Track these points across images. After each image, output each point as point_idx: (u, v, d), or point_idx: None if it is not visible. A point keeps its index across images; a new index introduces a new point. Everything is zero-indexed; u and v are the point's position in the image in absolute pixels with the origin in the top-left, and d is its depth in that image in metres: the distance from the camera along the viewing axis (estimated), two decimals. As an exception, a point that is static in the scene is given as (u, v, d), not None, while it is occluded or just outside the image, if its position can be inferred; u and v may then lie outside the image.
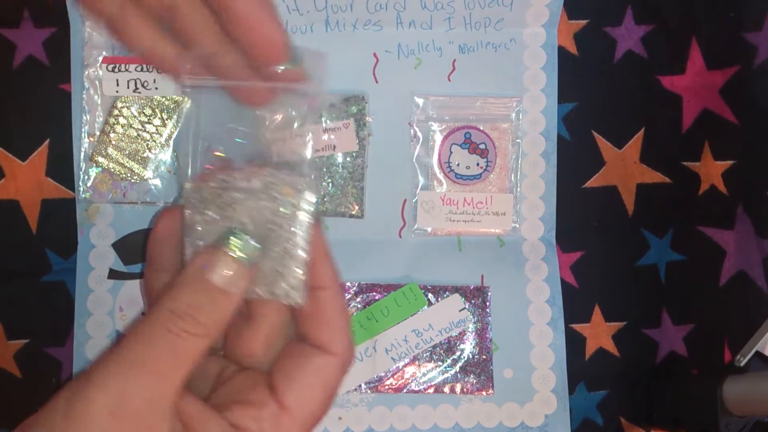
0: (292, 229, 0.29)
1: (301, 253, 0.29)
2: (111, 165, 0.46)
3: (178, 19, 0.33)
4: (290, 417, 0.29)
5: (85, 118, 0.46)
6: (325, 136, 0.47)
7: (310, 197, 0.29)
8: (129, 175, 0.46)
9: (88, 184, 0.46)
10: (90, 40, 0.45)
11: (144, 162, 0.46)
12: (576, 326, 0.49)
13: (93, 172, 0.46)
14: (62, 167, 0.46)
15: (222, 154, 0.33)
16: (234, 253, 0.28)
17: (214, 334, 0.28)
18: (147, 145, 0.46)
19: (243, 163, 0.32)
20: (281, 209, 0.29)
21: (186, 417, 0.28)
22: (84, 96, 0.46)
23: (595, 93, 0.49)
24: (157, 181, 0.46)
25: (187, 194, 0.30)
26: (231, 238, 0.28)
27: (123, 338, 0.27)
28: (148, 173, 0.46)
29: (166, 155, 0.46)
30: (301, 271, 0.29)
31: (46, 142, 0.46)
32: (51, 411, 0.26)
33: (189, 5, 0.32)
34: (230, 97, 0.34)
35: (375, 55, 0.48)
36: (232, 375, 0.31)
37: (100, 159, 0.46)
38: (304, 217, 0.29)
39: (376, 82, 0.48)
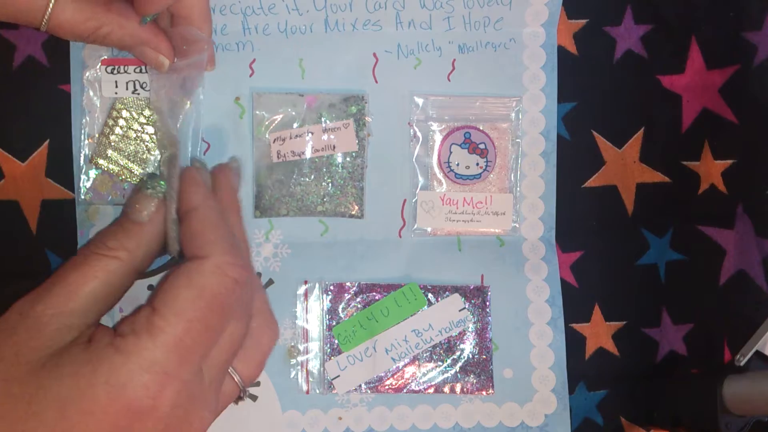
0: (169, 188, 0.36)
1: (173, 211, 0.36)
2: (111, 166, 0.46)
3: None
4: (160, 317, 0.31)
5: (84, 119, 0.46)
6: (325, 136, 0.47)
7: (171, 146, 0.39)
8: (129, 176, 0.46)
9: (88, 186, 0.46)
10: (89, 40, 0.46)
11: (144, 163, 0.46)
12: (576, 326, 0.49)
13: (93, 173, 0.46)
14: (62, 168, 0.46)
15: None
16: (144, 190, 0.35)
17: (124, 257, 0.33)
18: (146, 146, 0.46)
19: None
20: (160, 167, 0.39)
21: (94, 333, 0.32)
22: (83, 98, 0.46)
23: (595, 93, 0.49)
24: (157, 182, 0.46)
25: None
26: (146, 179, 0.36)
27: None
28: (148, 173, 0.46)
29: (166, 156, 0.46)
30: (174, 231, 0.35)
31: (46, 143, 0.46)
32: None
33: None
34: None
35: (375, 55, 0.48)
36: None
37: (100, 161, 0.46)
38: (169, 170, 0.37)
39: (376, 82, 0.48)
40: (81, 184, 0.46)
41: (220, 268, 0.32)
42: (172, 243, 0.35)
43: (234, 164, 0.41)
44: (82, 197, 0.46)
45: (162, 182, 0.36)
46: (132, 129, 0.46)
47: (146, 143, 0.46)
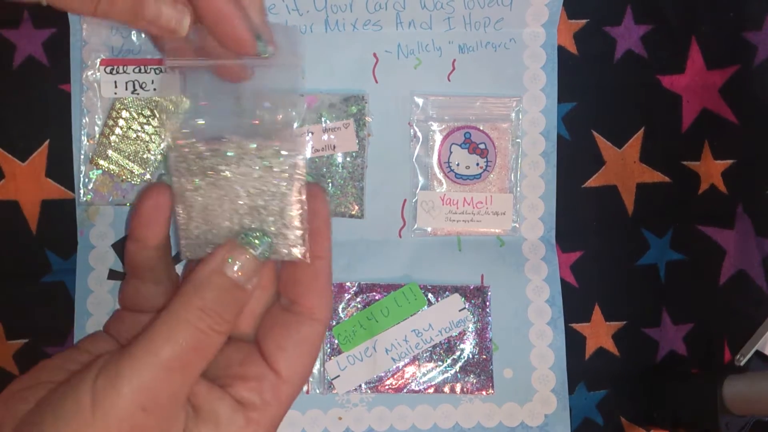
0: (284, 190, 0.30)
1: (296, 211, 0.31)
2: (111, 167, 0.46)
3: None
4: (286, 384, 0.30)
5: (84, 120, 0.46)
6: (325, 136, 0.47)
7: (299, 158, 0.31)
8: (129, 176, 0.46)
9: (89, 187, 0.46)
10: (89, 41, 0.45)
11: (144, 163, 0.46)
12: (576, 326, 0.49)
13: (93, 174, 0.46)
14: (62, 168, 0.46)
15: (203, 122, 0.33)
16: (253, 249, 0.30)
17: (232, 328, 0.30)
18: (146, 146, 0.46)
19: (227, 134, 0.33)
20: (274, 169, 0.30)
21: (195, 399, 0.29)
22: (83, 98, 0.46)
23: (595, 93, 0.49)
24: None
25: (173, 161, 0.30)
26: (247, 235, 0.30)
27: (149, 331, 0.28)
28: (148, 174, 0.46)
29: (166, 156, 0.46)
30: (299, 228, 0.31)
31: (46, 143, 0.46)
32: (76, 403, 0.26)
33: None
34: (212, 75, 0.36)
35: (375, 55, 0.48)
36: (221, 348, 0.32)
37: (101, 161, 0.46)
38: (294, 176, 0.31)
39: (376, 82, 0.48)
40: (81, 185, 0.46)
41: (325, 331, 0.33)
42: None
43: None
44: (83, 198, 0.46)
45: (267, 238, 0.30)
46: (132, 129, 0.46)
47: (146, 143, 0.46)
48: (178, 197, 0.31)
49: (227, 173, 0.30)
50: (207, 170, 0.30)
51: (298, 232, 0.31)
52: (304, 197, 0.31)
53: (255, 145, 0.30)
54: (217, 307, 0.29)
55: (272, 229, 0.31)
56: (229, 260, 0.29)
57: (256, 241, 0.30)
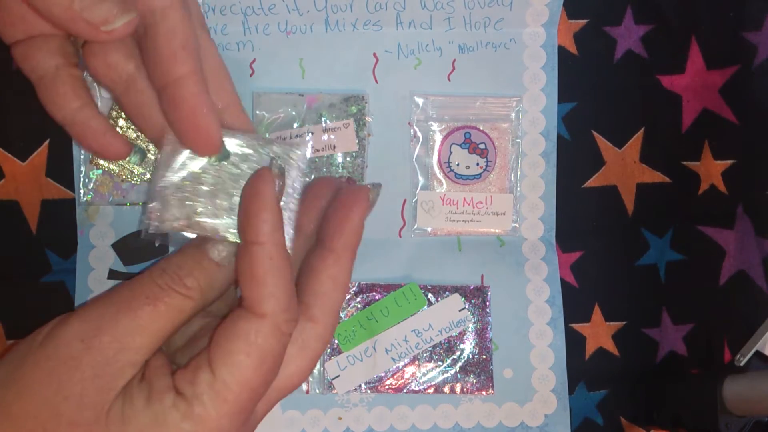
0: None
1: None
2: (111, 166, 0.46)
3: (132, 93, 0.31)
4: (224, 386, 0.27)
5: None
6: (325, 136, 0.47)
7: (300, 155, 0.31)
8: (129, 176, 0.46)
9: (90, 187, 0.46)
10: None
11: (144, 163, 0.46)
12: (576, 326, 0.49)
13: (94, 174, 0.46)
14: (62, 168, 0.46)
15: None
16: (234, 236, 0.30)
17: (197, 297, 0.29)
18: (147, 145, 0.46)
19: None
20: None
21: (147, 368, 0.28)
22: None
23: (595, 93, 0.49)
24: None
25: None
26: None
27: (116, 285, 0.28)
28: (148, 174, 0.46)
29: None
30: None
31: (46, 143, 0.46)
32: (35, 334, 0.28)
33: (145, 80, 0.31)
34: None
35: (375, 55, 0.48)
36: (206, 332, 0.31)
37: (101, 161, 0.46)
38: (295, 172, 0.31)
39: (376, 82, 0.48)
40: (81, 185, 0.46)
41: (278, 329, 0.28)
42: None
43: (373, 192, 0.33)
44: (83, 198, 0.46)
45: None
46: (132, 129, 0.46)
47: (147, 143, 0.46)
48: (162, 177, 0.31)
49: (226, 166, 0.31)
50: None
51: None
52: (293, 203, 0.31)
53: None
54: (179, 270, 0.29)
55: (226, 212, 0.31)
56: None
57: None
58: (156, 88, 0.30)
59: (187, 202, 0.30)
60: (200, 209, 0.30)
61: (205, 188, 0.30)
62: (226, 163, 0.31)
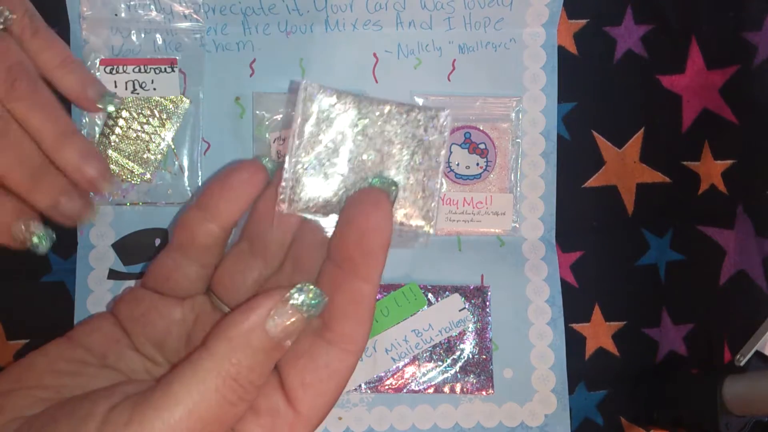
0: (432, 155, 0.27)
1: (436, 185, 0.28)
2: (111, 167, 0.46)
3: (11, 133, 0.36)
4: (303, 423, 0.26)
5: (84, 120, 0.46)
6: (325, 136, 0.47)
7: (446, 121, 0.27)
8: (129, 176, 0.46)
9: (89, 186, 0.46)
10: (89, 41, 0.45)
11: (144, 163, 0.46)
12: (576, 326, 0.49)
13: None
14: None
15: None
16: (300, 308, 0.25)
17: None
18: (146, 146, 0.46)
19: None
20: (423, 133, 0.27)
21: None
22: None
23: (595, 93, 0.49)
24: (158, 182, 0.46)
25: (302, 100, 0.27)
26: (295, 291, 0.25)
27: (167, 390, 0.24)
28: (148, 174, 0.46)
29: (166, 155, 0.46)
30: (434, 203, 0.28)
31: (46, 143, 0.46)
32: None
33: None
34: None
35: (375, 55, 0.48)
36: None
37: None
38: (441, 142, 0.27)
39: (376, 82, 0.48)
40: (81, 184, 0.46)
41: (357, 361, 0.27)
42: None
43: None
44: (83, 197, 0.46)
45: (323, 298, 0.26)
46: (132, 129, 0.46)
47: (146, 143, 0.46)
48: (296, 145, 0.27)
49: (362, 127, 0.27)
50: (343, 121, 0.27)
51: (433, 206, 0.27)
52: (440, 176, 0.27)
53: (401, 106, 0.27)
54: (251, 375, 0.24)
55: (408, 195, 0.27)
56: (274, 317, 0.25)
57: (312, 301, 0.25)
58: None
59: (321, 178, 0.27)
60: (339, 185, 0.27)
61: (343, 161, 0.27)
62: (365, 121, 0.27)
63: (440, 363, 0.47)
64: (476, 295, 0.48)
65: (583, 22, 0.49)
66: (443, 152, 0.28)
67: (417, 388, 0.47)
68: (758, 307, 0.49)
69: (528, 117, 0.48)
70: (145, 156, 0.46)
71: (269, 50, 0.47)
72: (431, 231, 0.28)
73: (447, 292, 0.48)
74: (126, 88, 0.45)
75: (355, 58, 0.48)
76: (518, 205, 0.49)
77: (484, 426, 0.48)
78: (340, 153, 0.28)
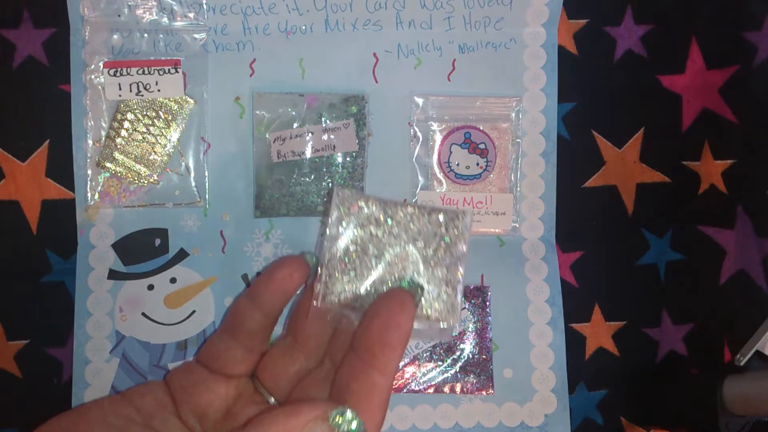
0: (453, 253, 0.31)
1: (460, 278, 0.31)
2: (118, 169, 0.46)
3: None
4: None
5: (89, 123, 0.46)
6: (325, 136, 0.47)
7: (467, 223, 0.31)
8: (137, 178, 0.46)
9: (98, 189, 0.46)
10: (90, 41, 0.45)
11: (151, 164, 0.46)
12: (576, 326, 0.49)
13: (101, 177, 0.46)
14: (62, 168, 0.46)
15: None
16: (336, 428, 0.26)
17: None
18: (152, 147, 0.46)
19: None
20: (444, 231, 0.31)
21: None
22: (88, 101, 0.46)
23: (595, 93, 0.49)
24: (164, 183, 0.46)
25: (336, 203, 0.31)
26: (337, 415, 0.26)
27: None
28: (155, 176, 0.46)
29: (172, 157, 0.46)
30: (458, 297, 0.31)
31: (46, 143, 0.46)
32: None
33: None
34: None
35: (375, 55, 0.48)
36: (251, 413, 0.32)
37: (108, 164, 0.46)
38: (462, 242, 0.31)
39: (376, 81, 0.48)
40: (89, 188, 0.46)
41: None
42: None
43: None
44: (90, 201, 0.46)
45: (361, 422, 0.27)
46: (137, 131, 0.46)
47: (152, 145, 0.46)
48: (329, 246, 0.31)
49: (389, 228, 0.31)
50: (371, 222, 0.31)
51: (456, 301, 0.31)
52: (462, 270, 0.31)
53: (426, 209, 0.31)
54: None
55: (432, 288, 0.31)
56: (313, 429, 0.26)
57: (353, 424, 0.26)
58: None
59: (351, 274, 0.31)
60: (368, 280, 0.31)
61: (371, 258, 0.31)
62: (391, 222, 0.31)
63: (440, 363, 0.47)
64: (476, 295, 0.48)
65: (583, 21, 0.49)
66: (464, 248, 0.31)
67: (417, 388, 0.47)
68: (758, 307, 0.49)
69: (528, 117, 0.48)
70: (151, 158, 0.46)
71: (269, 50, 0.47)
72: (456, 325, 0.31)
73: (447, 292, 0.48)
74: (131, 90, 0.45)
75: (355, 58, 0.48)
76: (518, 205, 0.49)
77: (484, 426, 0.48)
78: (369, 251, 0.31)
